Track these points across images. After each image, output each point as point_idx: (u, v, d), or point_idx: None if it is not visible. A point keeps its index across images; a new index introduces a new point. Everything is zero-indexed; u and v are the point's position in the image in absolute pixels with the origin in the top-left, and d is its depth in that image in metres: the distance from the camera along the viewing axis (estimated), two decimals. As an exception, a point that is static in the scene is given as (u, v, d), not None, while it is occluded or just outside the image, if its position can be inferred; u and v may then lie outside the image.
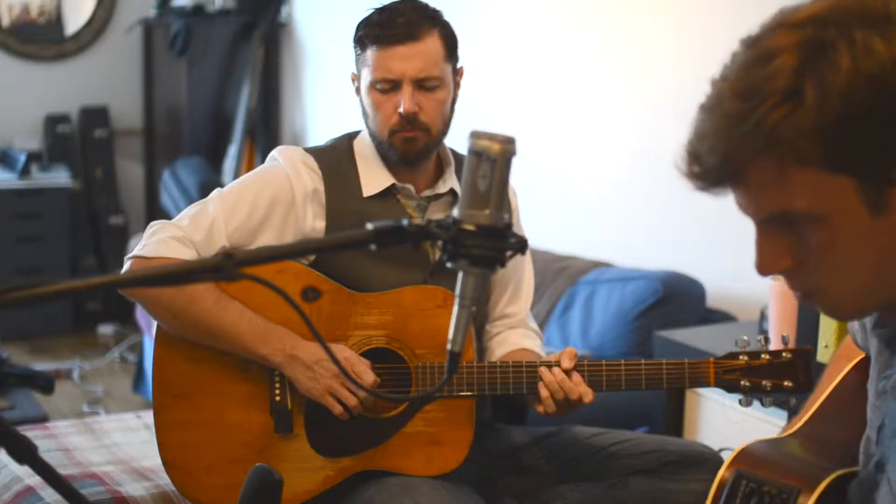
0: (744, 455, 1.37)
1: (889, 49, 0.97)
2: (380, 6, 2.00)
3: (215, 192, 2.00)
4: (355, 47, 2.01)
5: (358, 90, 2.04)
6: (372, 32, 1.96)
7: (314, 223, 1.98)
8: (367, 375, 1.88)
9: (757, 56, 1.01)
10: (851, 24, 0.98)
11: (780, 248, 1.06)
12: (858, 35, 0.97)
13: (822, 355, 2.19)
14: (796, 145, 0.98)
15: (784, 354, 1.90)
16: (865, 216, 1.01)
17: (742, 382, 1.90)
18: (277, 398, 1.95)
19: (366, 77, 1.98)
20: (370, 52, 1.96)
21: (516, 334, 2.14)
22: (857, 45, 0.97)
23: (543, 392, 1.89)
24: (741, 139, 1.00)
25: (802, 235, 1.05)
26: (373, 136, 2.03)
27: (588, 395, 1.89)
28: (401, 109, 1.94)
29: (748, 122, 0.99)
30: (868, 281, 1.06)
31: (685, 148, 1.06)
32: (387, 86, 1.95)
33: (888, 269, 1.05)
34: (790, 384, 1.89)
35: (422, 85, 1.95)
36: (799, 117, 0.97)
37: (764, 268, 1.08)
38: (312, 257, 1.98)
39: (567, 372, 1.89)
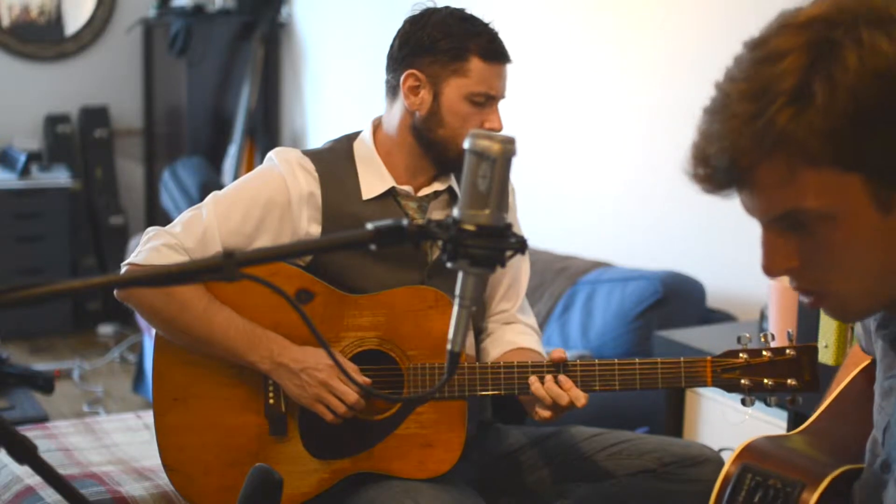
0: (749, 449, 1.37)
1: (895, 47, 0.98)
2: (466, 15, 2.00)
3: (210, 197, 1.99)
4: (439, 51, 1.96)
5: (415, 90, 1.99)
6: (481, 45, 1.96)
7: (308, 227, 1.97)
8: (357, 378, 1.87)
9: (764, 57, 1.01)
10: (857, 24, 0.99)
11: (787, 248, 1.06)
12: (865, 34, 0.98)
13: (823, 355, 2.18)
14: (806, 144, 0.98)
15: (787, 351, 1.85)
16: (874, 215, 1.02)
17: (742, 381, 1.85)
18: (271, 401, 1.95)
19: (459, 86, 1.96)
20: (474, 64, 1.96)
21: (511, 331, 2.13)
22: (864, 44, 0.98)
23: (538, 406, 1.88)
24: (751, 139, 1.00)
25: (810, 235, 1.04)
26: (440, 141, 1.99)
27: (580, 399, 1.86)
28: (494, 125, 1.97)
29: (758, 123, 0.99)
30: (875, 280, 1.06)
31: (691, 150, 1.05)
32: (483, 99, 1.97)
33: (895, 269, 1.05)
34: (794, 382, 1.84)
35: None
36: (809, 116, 0.98)
37: (771, 269, 1.08)
38: (308, 259, 1.98)
39: (555, 376, 1.87)
